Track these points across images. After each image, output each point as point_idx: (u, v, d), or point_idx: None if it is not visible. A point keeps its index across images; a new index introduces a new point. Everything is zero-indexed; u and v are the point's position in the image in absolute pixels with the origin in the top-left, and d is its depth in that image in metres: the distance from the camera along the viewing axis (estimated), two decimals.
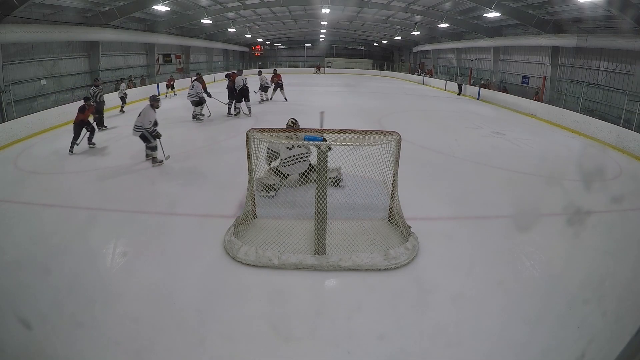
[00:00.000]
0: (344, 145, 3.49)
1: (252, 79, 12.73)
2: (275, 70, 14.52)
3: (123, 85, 12.18)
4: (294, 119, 5.37)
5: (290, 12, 21.53)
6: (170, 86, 15.89)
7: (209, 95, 10.24)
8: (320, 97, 15.56)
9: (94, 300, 2.90)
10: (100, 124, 9.21)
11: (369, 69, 33.05)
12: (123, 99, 11.94)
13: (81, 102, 7.44)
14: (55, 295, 2.96)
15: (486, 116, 12.30)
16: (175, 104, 14.08)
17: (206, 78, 22.21)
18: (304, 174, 4.81)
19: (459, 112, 12.96)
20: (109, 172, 6.06)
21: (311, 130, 3.69)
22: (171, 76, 16.93)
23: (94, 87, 9.46)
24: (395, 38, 25.82)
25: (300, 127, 5.17)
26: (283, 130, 3.87)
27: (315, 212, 3.36)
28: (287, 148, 4.76)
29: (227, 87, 10.91)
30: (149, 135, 6.03)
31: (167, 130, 9.51)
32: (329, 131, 3.61)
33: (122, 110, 11.84)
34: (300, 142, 3.75)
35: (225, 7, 17.08)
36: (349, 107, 12.97)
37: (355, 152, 3.66)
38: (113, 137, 8.43)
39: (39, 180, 5.82)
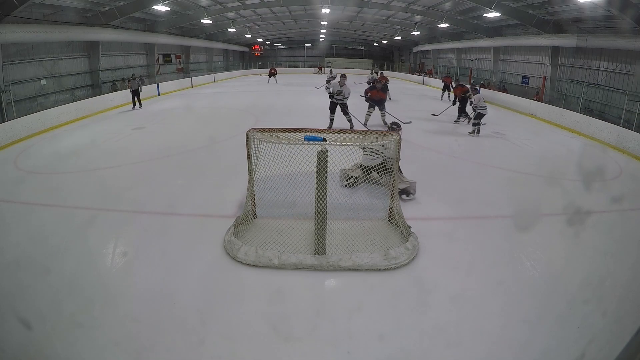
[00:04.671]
0: (344, 145, 3.49)
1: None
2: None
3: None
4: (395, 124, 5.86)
5: (290, 12, 21.52)
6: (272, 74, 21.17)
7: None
8: (321, 97, 15.53)
9: (94, 300, 2.90)
10: None
11: (369, 69, 32.99)
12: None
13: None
14: (55, 295, 2.96)
15: (486, 116, 12.26)
16: (174, 104, 14.10)
17: (206, 78, 22.39)
18: (377, 167, 4.70)
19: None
20: (109, 172, 6.07)
21: (311, 130, 3.69)
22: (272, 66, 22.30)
23: None
24: (395, 38, 25.81)
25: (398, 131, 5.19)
26: (283, 130, 3.86)
27: (315, 212, 3.36)
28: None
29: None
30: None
31: (166, 129, 9.58)
32: (329, 131, 3.61)
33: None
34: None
35: (225, 7, 17.07)
36: (349, 107, 12.92)
37: (355, 152, 3.66)
38: (113, 136, 8.45)
39: (39, 180, 5.82)
